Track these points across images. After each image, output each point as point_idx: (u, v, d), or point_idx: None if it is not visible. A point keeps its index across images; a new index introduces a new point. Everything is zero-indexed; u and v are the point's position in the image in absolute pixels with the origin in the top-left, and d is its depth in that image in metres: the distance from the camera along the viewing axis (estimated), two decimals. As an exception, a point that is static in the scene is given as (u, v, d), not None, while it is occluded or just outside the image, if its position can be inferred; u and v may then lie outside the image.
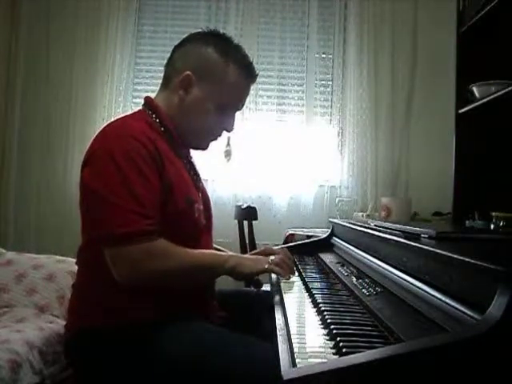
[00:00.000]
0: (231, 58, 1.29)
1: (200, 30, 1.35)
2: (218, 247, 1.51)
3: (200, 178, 1.42)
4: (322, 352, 0.73)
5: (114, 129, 1.22)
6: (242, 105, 1.37)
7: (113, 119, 1.30)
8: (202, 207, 1.32)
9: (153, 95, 1.36)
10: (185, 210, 1.22)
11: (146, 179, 1.13)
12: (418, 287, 0.90)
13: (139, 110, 1.33)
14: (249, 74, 1.32)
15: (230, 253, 1.38)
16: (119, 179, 1.10)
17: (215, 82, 1.28)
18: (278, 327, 0.88)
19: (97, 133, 1.23)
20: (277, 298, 1.13)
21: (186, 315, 1.17)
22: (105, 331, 1.14)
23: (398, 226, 1.26)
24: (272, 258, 1.28)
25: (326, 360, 0.69)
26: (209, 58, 1.28)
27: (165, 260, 1.12)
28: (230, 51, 1.30)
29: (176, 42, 1.37)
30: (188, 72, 1.26)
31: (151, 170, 1.15)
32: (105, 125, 1.26)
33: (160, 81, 1.37)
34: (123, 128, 1.21)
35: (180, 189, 1.22)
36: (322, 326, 0.86)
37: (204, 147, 1.38)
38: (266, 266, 1.23)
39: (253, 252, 1.52)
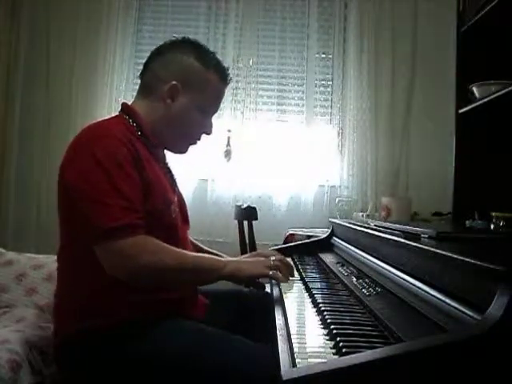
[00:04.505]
0: (211, 65, 1.35)
1: (174, 39, 1.40)
2: (215, 251, 1.51)
3: (176, 183, 1.45)
4: (322, 352, 0.73)
5: (93, 130, 1.25)
6: (218, 109, 1.44)
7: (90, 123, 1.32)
8: (178, 210, 1.33)
9: (128, 101, 1.39)
10: (162, 209, 1.24)
11: (128, 176, 1.15)
12: (417, 287, 0.90)
13: (116, 115, 1.35)
14: (226, 78, 1.39)
15: (228, 258, 1.38)
16: (103, 176, 1.12)
17: (200, 89, 1.33)
18: (277, 327, 0.88)
19: (77, 133, 1.25)
20: (277, 297, 1.13)
21: (169, 310, 1.18)
22: (92, 335, 1.14)
23: (397, 226, 1.27)
24: (273, 258, 1.29)
25: (325, 360, 0.69)
26: (191, 67, 1.33)
27: (158, 256, 1.13)
28: (209, 58, 1.36)
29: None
30: (174, 82, 1.30)
31: (132, 167, 1.17)
32: (83, 128, 1.27)
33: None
34: (102, 129, 1.24)
35: (158, 189, 1.24)
36: (322, 326, 0.86)
37: (185, 151, 1.43)
38: (271, 273, 1.23)
39: (245, 256, 1.52)
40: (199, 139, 1.42)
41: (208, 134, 1.42)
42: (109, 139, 1.17)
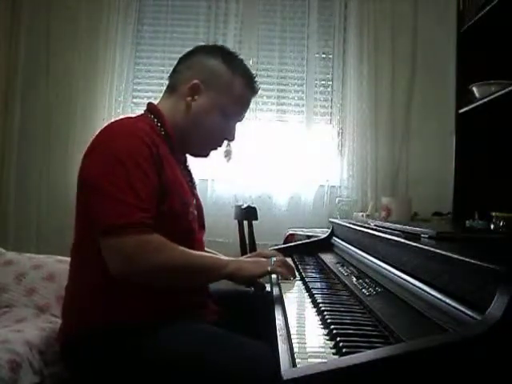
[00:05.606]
0: (237, 70, 1.35)
1: (205, 44, 1.42)
2: (212, 251, 1.51)
3: (195, 186, 1.45)
4: (322, 352, 0.73)
5: (118, 126, 1.25)
6: (243, 116, 1.42)
7: (115, 119, 1.32)
8: (196, 213, 1.33)
9: (154, 101, 1.39)
10: (179, 211, 1.23)
11: (145, 175, 1.15)
12: (417, 287, 0.90)
13: (141, 114, 1.36)
14: (253, 86, 1.38)
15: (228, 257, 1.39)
16: (120, 172, 1.12)
17: (222, 91, 1.32)
18: (277, 327, 0.88)
19: (100, 129, 1.25)
20: (277, 298, 1.13)
21: (180, 315, 1.18)
22: (100, 333, 1.14)
23: (398, 226, 1.27)
24: (274, 259, 1.29)
25: (325, 360, 0.69)
26: (216, 69, 1.33)
27: (162, 254, 1.12)
28: (236, 64, 1.36)
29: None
30: (196, 80, 1.30)
31: (151, 168, 1.17)
32: (108, 122, 1.28)
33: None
34: (127, 126, 1.24)
35: (177, 191, 1.24)
36: (322, 326, 0.86)
37: (205, 154, 1.42)
38: (269, 269, 1.24)
39: (245, 256, 1.52)
40: (220, 145, 1.40)
41: (230, 140, 1.40)
42: (130, 137, 1.18)
